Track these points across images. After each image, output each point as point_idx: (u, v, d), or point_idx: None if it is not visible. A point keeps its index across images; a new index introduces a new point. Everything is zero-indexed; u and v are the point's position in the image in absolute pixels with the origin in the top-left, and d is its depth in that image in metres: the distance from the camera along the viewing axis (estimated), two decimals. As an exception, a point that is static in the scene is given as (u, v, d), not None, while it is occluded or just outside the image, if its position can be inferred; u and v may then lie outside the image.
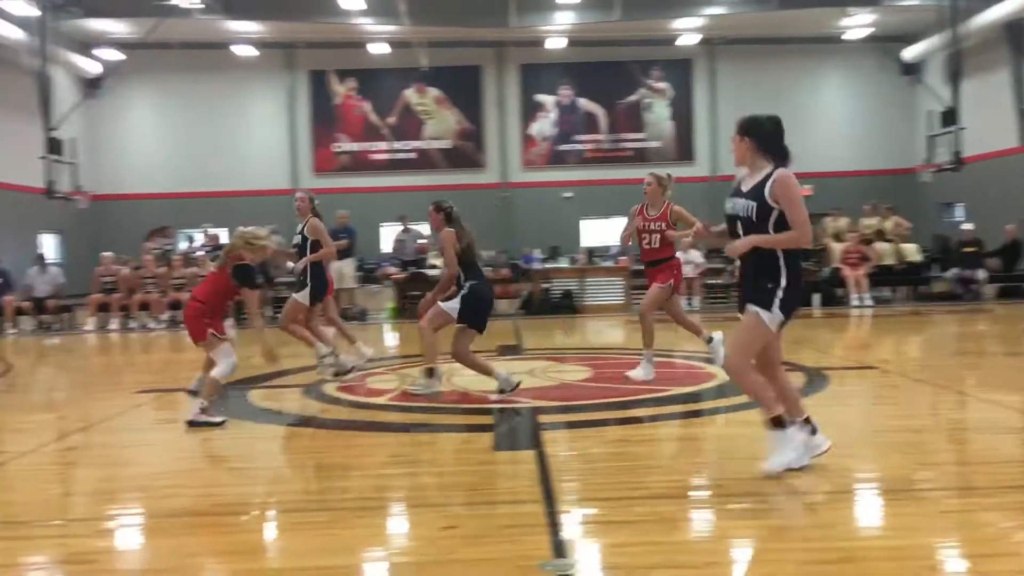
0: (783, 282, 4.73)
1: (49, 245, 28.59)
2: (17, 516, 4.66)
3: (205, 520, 4.48)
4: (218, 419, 6.66)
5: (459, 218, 7.66)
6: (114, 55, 28.74)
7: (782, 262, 4.75)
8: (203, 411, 6.64)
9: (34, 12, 23.44)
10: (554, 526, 4.09)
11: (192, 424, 6.60)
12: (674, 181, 8.50)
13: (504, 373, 7.50)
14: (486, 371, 7.51)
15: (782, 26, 28.02)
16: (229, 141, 29.82)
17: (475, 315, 7.42)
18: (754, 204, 4.74)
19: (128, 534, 4.42)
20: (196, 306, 6.85)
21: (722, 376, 8.40)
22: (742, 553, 3.88)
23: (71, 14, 26.09)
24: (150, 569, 3.78)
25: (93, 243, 28.76)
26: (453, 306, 7.40)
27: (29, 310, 16.52)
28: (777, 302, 4.72)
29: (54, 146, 23.97)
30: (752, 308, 4.77)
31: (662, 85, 31.25)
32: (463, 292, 7.45)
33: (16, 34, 24.25)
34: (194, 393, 7.00)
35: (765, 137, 4.84)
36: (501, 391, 7.37)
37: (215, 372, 6.73)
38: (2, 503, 5.05)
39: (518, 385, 7.47)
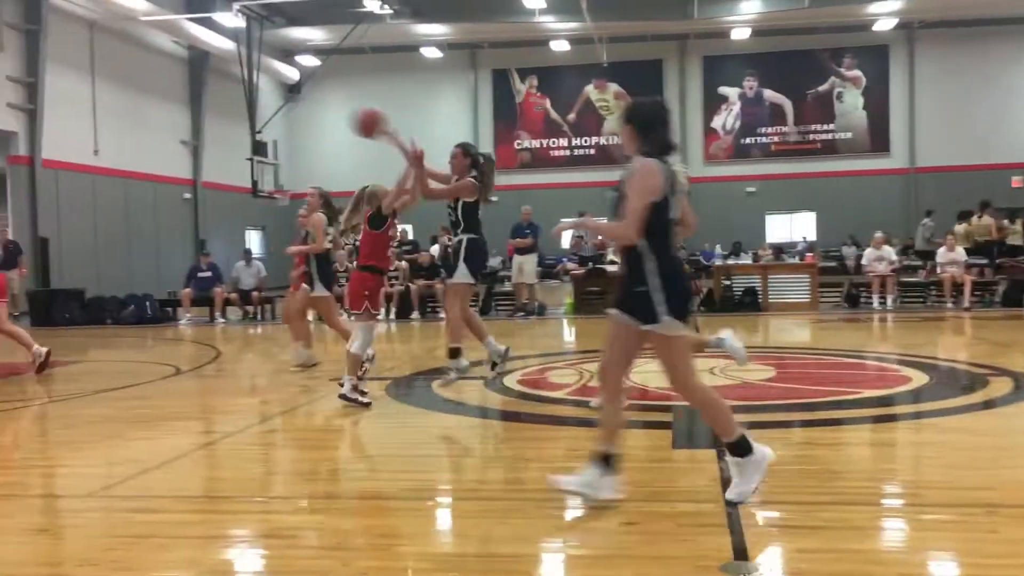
0: (655, 283, 4.14)
1: (254, 240, 30.66)
2: (223, 492, 5.04)
3: (393, 504, 4.69)
4: (365, 400, 7.03)
5: (488, 172, 7.64)
6: (312, 61, 30.40)
7: (648, 262, 4.15)
8: (354, 388, 7.01)
9: (243, 24, 25.11)
10: (735, 528, 4.00)
11: (343, 399, 7.04)
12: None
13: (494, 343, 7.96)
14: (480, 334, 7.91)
15: (987, 6, 26.04)
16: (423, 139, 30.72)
17: (479, 268, 7.71)
18: (614, 195, 4.27)
19: (324, 513, 4.68)
20: (362, 276, 7.24)
21: (919, 379, 7.93)
22: (938, 567, 3.66)
23: (275, 24, 27.82)
24: (342, 546, 3.98)
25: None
26: (463, 272, 7.54)
27: (236, 301, 17.75)
28: (663, 308, 4.13)
29: (259, 148, 25.62)
30: (644, 327, 4.19)
31: (855, 73, 29.83)
32: (464, 247, 7.56)
33: (227, 45, 26.07)
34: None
35: (644, 123, 4.30)
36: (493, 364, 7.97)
37: (353, 347, 7.09)
38: (211, 479, 5.48)
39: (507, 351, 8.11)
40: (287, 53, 30.99)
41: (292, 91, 31.56)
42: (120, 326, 17.13)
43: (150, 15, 23.19)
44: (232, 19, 24.43)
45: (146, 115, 25.37)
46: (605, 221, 4.44)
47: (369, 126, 7.14)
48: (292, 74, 31.08)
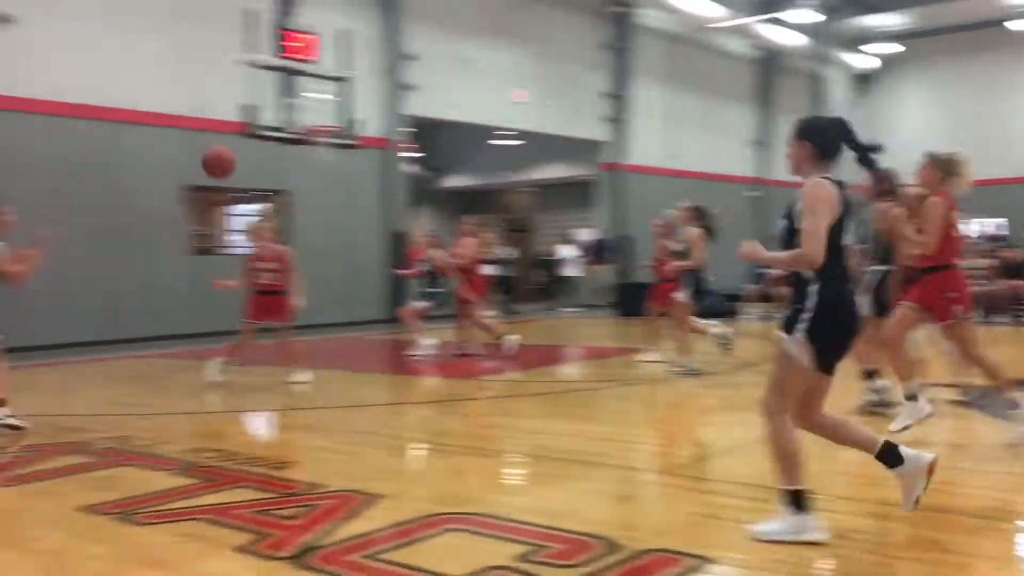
0: (809, 304, 3.84)
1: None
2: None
3: (969, 521, 4.32)
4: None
5: None
6: (885, 48, 28.90)
7: (810, 286, 3.87)
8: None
9: (815, 19, 24.86)
10: None
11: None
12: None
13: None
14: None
15: None
16: (996, 124, 27.30)
17: None
18: (784, 223, 4.02)
19: (888, 519, 4.49)
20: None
21: None
22: None
23: (849, 14, 27.05)
24: (906, 556, 3.79)
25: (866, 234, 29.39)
26: None
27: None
28: (803, 327, 3.84)
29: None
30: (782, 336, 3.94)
31: None
32: None
33: (797, 41, 26.06)
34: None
35: (825, 143, 4.02)
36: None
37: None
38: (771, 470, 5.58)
39: None
40: (861, 42, 29.96)
41: (865, 81, 30.45)
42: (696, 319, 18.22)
43: (724, 21, 24.21)
44: (805, 15, 24.37)
45: (716, 118, 26.55)
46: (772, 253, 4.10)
47: (214, 169, 7.18)
48: (866, 64, 29.97)
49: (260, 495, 4.91)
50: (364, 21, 17.68)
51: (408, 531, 4.21)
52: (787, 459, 3.96)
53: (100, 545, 4.09)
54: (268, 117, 12.86)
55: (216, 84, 14.89)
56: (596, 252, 21.27)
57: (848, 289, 4.05)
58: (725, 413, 7.44)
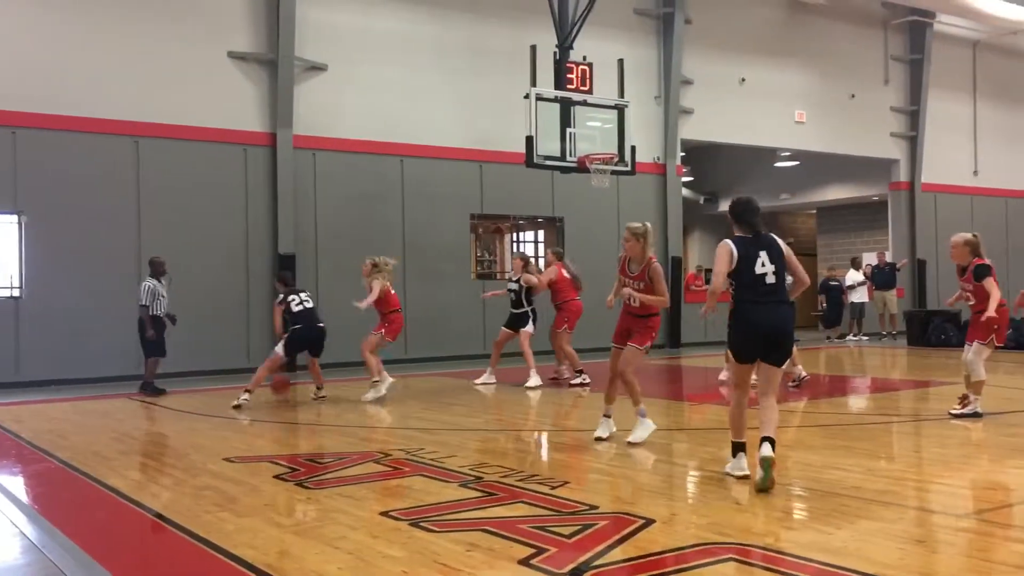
0: None
1: None
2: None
3: None
4: None
5: None
6: None
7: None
8: None
9: None
10: None
11: None
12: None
13: None
14: None
15: None
16: None
17: None
18: None
19: None
20: None
21: None
22: None
23: None
24: None
25: None
26: None
27: None
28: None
29: None
30: None
31: None
32: None
33: None
34: None
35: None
36: None
37: None
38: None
39: None
40: None
41: None
42: (996, 350, 16.56)
43: (1038, 24, 21.96)
44: None
45: (1029, 129, 24.09)
46: None
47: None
48: None
49: (539, 511, 5.09)
50: (642, 48, 17.90)
51: (683, 558, 4.19)
52: None
53: (396, 548, 4.42)
54: (548, 147, 13.34)
55: (501, 117, 15.70)
56: (886, 277, 19.92)
57: None
58: (1039, 456, 6.70)
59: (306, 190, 14.86)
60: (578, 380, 11.51)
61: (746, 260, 5.78)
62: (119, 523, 5.37)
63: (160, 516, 5.24)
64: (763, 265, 5.77)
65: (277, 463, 6.75)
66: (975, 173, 23.10)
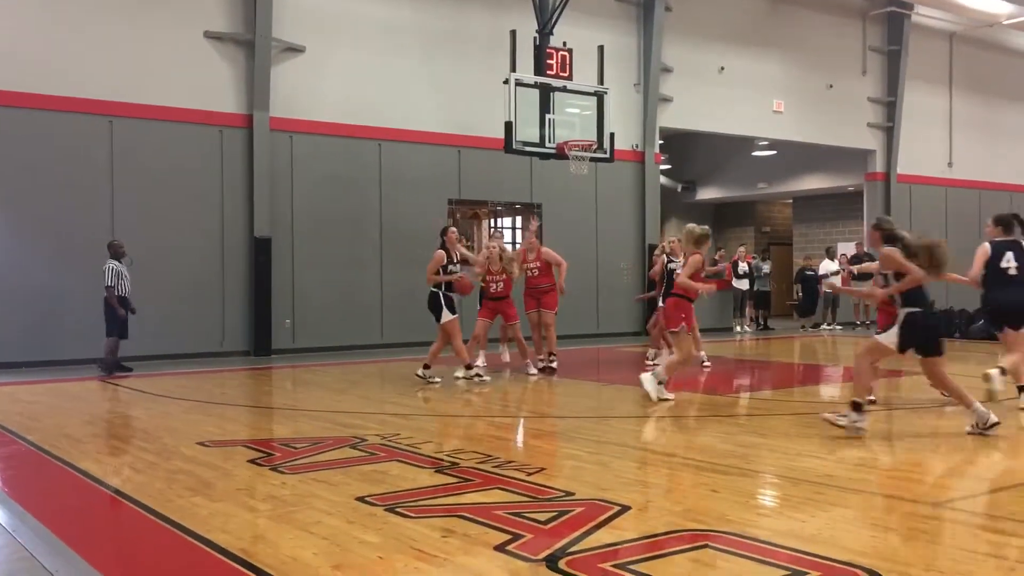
0: None
1: None
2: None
3: None
4: None
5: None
6: None
7: None
8: None
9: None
10: None
11: None
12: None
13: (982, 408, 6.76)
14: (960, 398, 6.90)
15: None
16: None
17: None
18: None
19: None
20: None
21: None
22: None
23: None
24: None
25: None
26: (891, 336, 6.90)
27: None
28: None
29: None
30: None
31: None
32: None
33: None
34: None
35: None
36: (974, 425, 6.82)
37: None
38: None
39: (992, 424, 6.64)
40: None
41: None
42: (968, 340, 16.78)
43: (1015, 17, 22.10)
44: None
45: (1004, 123, 24.30)
46: None
47: None
48: None
49: (515, 498, 5.09)
50: (622, 35, 17.87)
51: (658, 544, 4.21)
52: None
53: (371, 533, 4.41)
54: (527, 133, 13.30)
55: (480, 102, 15.64)
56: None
57: None
58: (1007, 446, 6.79)
59: (283, 173, 14.74)
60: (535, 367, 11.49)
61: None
62: (91, 507, 5.32)
63: (122, 495, 5.20)
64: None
65: (251, 447, 6.72)
66: (950, 165, 23.31)
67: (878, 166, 22.26)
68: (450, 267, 10.51)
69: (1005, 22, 22.15)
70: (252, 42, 14.26)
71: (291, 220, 14.82)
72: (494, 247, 11.41)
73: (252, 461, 6.22)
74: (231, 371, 12.57)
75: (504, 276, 11.17)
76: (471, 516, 4.66)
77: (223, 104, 14.29)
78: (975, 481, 5.75)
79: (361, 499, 5.06)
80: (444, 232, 10.73)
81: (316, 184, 14.98)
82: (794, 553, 4.00)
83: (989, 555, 4.00)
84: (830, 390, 10.77)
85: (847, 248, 21.84)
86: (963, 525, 4.64)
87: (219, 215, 14.30)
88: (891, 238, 7.26)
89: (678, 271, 9.63)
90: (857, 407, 6.97)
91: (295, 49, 14.74)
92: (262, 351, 14.33)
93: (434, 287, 10.51)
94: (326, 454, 6.43)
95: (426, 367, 10.55)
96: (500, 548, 4.12)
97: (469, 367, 10.60)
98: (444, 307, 10.45)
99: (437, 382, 10.36)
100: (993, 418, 6.77)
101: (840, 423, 6.99)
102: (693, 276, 8.89)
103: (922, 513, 4.85)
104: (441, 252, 10.49)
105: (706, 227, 9.21)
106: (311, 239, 14.91)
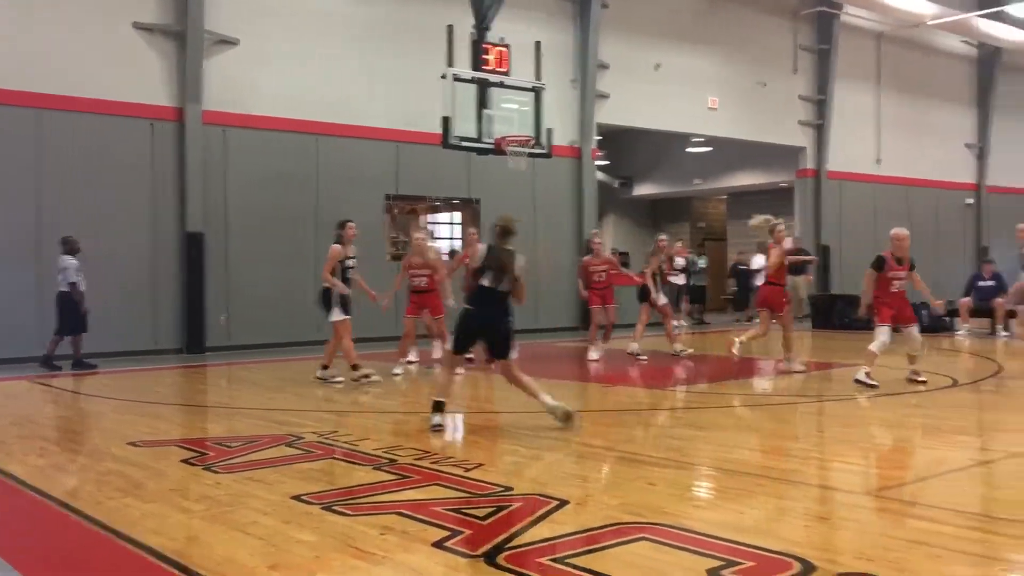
0: None
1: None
2: (1001, 513, 4.74)
3: None
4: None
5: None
6: None
7: None
8: None
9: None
10: None
11: None
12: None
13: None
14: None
15: None
16: None
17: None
18: None
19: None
20: None
21: None
22: None
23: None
24: None
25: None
26: None
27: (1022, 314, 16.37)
28: None
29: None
30: None
31: None
32: None
33: (1021, 36, 24.17)
34: None
35: None
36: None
37: None
38: (989, 498, 5.20)
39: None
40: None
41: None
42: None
43: (939, 18, 22.76)
44: (1028, 8, 22.55)
45: (928, 121, 25.01)
46: None
47: None
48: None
49: (453, 494, 5.07)
50: (559, 31, 17.92)
51: (595, 538, 4.23)
52: None
53: (308, 532, 4.35)
54: (465, 128, 13.26)
55: (417, 97, 15.55)
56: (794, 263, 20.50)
57: None
58: (933, 435, 7.00)
59: (216, 168, 14.46)
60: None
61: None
62: (16, 511, 5.15)
63: (50, 498, 5.05)
64: None
65: (185, 447, 6.58)
66: (878, 162, 23.90)
67: (809, 163, 22.72)
68: (347, 261, 10.14)
69: (930, 23, 22.79)
70: (183, 34, 13.96)
71: (225, 215, 14.55)
72: (420, 238, 11.32)
73: (185, 461, 6.10)
74: (164, 369, 12.31)
75: (428, 271, 11.07)
76: (409, 513, 4.63)
77: (154, 97, 13.96)
78: (905, 470, 5.90)
79: (297, 498, 5.00)
80: (342, 226, 10.26)
81: (251, 179, 14.74)
82: (729, 544, 4.05)
83: (917, 542, 4.11)
84: (764, 383, 10.97)
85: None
86: (893, 513, 4.76)
87: (150, 210, 13.99)
88: None
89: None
90: None
91: (228, 41, 14.47)
92: (196, 348, 14.06)
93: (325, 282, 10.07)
94: (261, 453, 6.33)
95: (324, 367, 10.31)
96: (439, 545, 4.10)
97: (355, 367, 10.10)
98: (335, 305, 10.03)
99: (339, 382, 10.12)
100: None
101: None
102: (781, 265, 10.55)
103: (854, 503, 4.97)
104: (338, 247, 10.07)
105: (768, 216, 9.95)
106: (246, 235, 14.67)
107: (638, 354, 12.35)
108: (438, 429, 7.01)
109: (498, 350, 7.22)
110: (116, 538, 4.35)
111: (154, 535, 4.34)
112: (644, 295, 12.74)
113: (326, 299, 10.13)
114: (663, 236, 13.62)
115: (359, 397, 9.44)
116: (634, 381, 10.72)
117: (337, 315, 10.04)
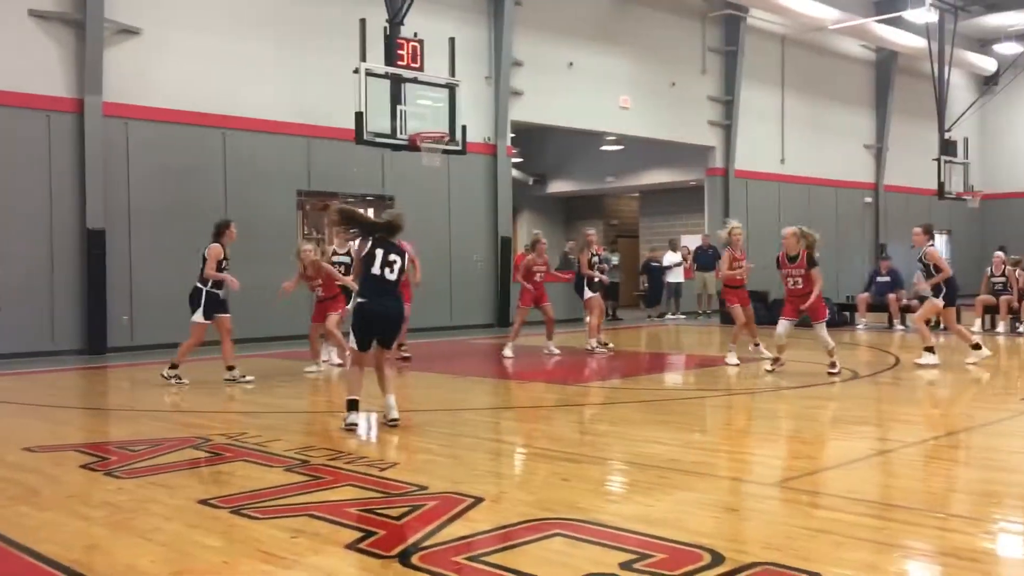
0: None
1: (938, 245, 29.03)
2: (897, 500, 4.92)
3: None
4: None
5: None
6: (1011, 48, 27.63)
7: None
8: None
9: (934, 19, 23.94)
10: None
11: None
12: None
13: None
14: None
15: None
16: None
17: None
18: None
19: (1011, 541, 4.29)
20: None
21: None
22: None
23: (970, 14, 25.99)
24: None
25: (982, 243, 28.25)
26: None
27: (916, 308, 17.03)
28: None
29: (947, 148, 24.21)
30: None
31: None
32: None
33: (917, 42, 25.15)
34: None
35: None
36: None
37: None
38: (886, 486, 5.39)
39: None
40: (983, 43, 28.70)
41: (987, 83, 29.14)
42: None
43: (840, 23, 23.52)
44: (923, 15, 23.47)
45: (830, 122, 25.83)
46: None
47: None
48: (988, 65, 28.67)
49: (367, 494, 5.01)
50: (473, 27, 17.89)
51: (510, 535, 4.23)
52: None
53: (215, 537, 4.24)
54: (378, 124, 13.13)
55: (329, 92, 15.31)
56: (708, 259, 20.93)
57: None
58: (834, 426, 7.22)
59: (118, 161, 13.96)
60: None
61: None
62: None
63: (-51, 513, 4.81)
64: None
65: (84, 452, 6.34)
66: (782, 161, 24.56)
67: (718, 161, 23.21)
68: (223, 263, 10.06)
69: (831, 27, 23.54)
70: (82, 22, 13.43)
71: (128, 211, 14.07)
72: (309, 250, 11.12)
73: (85, 466, 5.88)
74: (63, 371, 11.84)
75: (320, 281, 10.93)
76: (322, 515, 4.55)
77: (51, 87, 13.41)
78: (808, 461, 6.07)
79: (204, 502, 4.86)
80: (227, 225, 10.27)
81: (155, 173, 14.29)
82: (641, 537, 4.10)
83: (821, 531, 4.23)
84: (675, 377, 11.16)
85: (691, 240, 22.70)
86: (797, 504, 4.89)
87: (47, 206, 13.42)
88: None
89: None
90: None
91: (130, 31, 13.99)
92: (97, 349, 13.57)
93: (202, 283, 9.94)
94: (166, 456, 6.14)
95: (229, 368, 10.14)
96: (352, 546, 4.04)
97: (175, 366, 9.94)
98: (202, 307, 9.92)
99: (249, 381, 10.05)
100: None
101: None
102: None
103: (761, 493, 5.09)
104: (218, 246, 10.01)
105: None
106: (150, 231, 14.21)
107: (552, 351, 12.45)
108: (352, 428, 6.93)
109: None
110: (10, 548, 4.16)
111: (51, 544, 4.17)
112: (583, 289, 12.99)
113: (195, 299, 9.97)
114: (591, 230, 13.84)
115: (269, 398, 9.25)
116: (548, 377, 10.78)
117: (198, 317, 9.94)
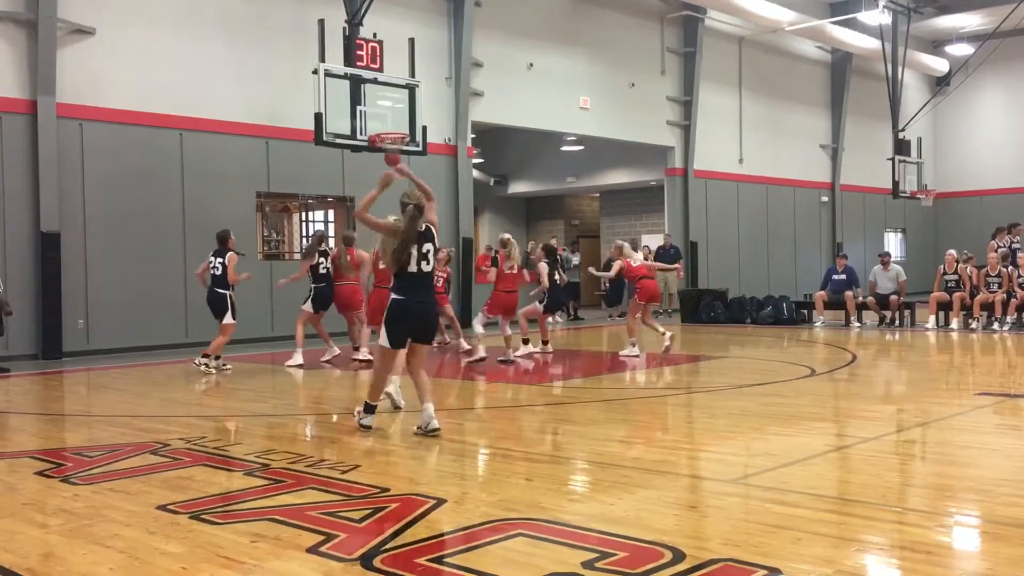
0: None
1: (892, 243, 29.56)
2: (855, 495, 5.00)
3: (1050, 538, 4.18)
4: None
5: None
6: (964, 50, 28.17)
7: None
8: None
9: (888, 20, 24.34)
10: None
11: None
12: None
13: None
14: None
15: None
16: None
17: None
18: None
19: (965, 534, 4.39)
20: None
21: None
22: None
23: (923, 15, 26.47)
24: (989, 573, 3.68)
25: (936, 241, 28.81)
26: None
27: (872, 305, 17.33)
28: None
29: (901, 147, 24.63)
30: None
31: None
32: None
33: (871, 44, 25.56)
34: None
35: None
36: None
37: None
38: (844, 482, 5.47)
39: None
40: (936, 44, 29.25)
41: (940, 84, 29.70)
42: (758, 326, 17.95)
43: (796, 24, 23.83)
44: (877, 16, 23.86)
45: (787, 122, 26.16)
46: None
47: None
48: (940, 66, 29.23)
49: (328, 497, 4.99)
50: (433, 28, 17.85)
51: (473, 536, 4.24)
52: None
53: (174, 543, 4.19)
54: (338, 125, 13.06)
55: (288, 92, 15.20)
56: (670, 259, 21.11)
57: None
58: (793, 423, 7.32)
59: (72, 164, 13.73)
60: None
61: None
62: None
63: (-101, 523, 4.70)
64: None
65: (39, 458, 6.23)
66: (740, 161, 24.82)
67: (677, 162, 23.39)
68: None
69: (787, 28, 23.85)
70: (34, 22, 13.19)
71: (83, 214, 13.85)
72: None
73: (40, 473, 5.78)
74: (16, 376, 11.62)
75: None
76: (283, 519, 4.52)
77: (2, 88, 13.13)
78: (765, 458, 6.14)
79: (163, 507, 4.81)
80: (229, 235, 11.50)
81: (111, 175, 14.08)
82: (603, 536, 4.13)
83: (779, 527, 4.29)
84: (637, 376, 11.23)
85: (651, 240, 22.85)
86: (756, 500, 4.95)
87: (0, 209, 13.17)
88: None
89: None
90: None
91: (84, 31, 13.77)
92: (52, 354, 13.33)
93: (222, 288, 11.30)
94: (124, 462, 6.06)
95: (216, 358, 11.27)
96: (313, 550, 4.02)
97: (218, 356, 11.39)
98: (230, 309, 11.36)
99: (228, 369, 11.23)
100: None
101: None
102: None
103: (720, 490, 5.15)
104: (234, 254, 11.39)
105: None
106: (106, 234, 14.00)
107: (517, 351, 12.49)
108: (366, 429, 6.99)
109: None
110: (-38, 558, 4.08)
111: (6, 553, 4.10)
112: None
113: (223, 303, 11.37)
114: (555, 238, 14.24)
115: (230, 402, 9.16)
116: (510, 378, 10.79)
117: (230, 319, 11.37)
